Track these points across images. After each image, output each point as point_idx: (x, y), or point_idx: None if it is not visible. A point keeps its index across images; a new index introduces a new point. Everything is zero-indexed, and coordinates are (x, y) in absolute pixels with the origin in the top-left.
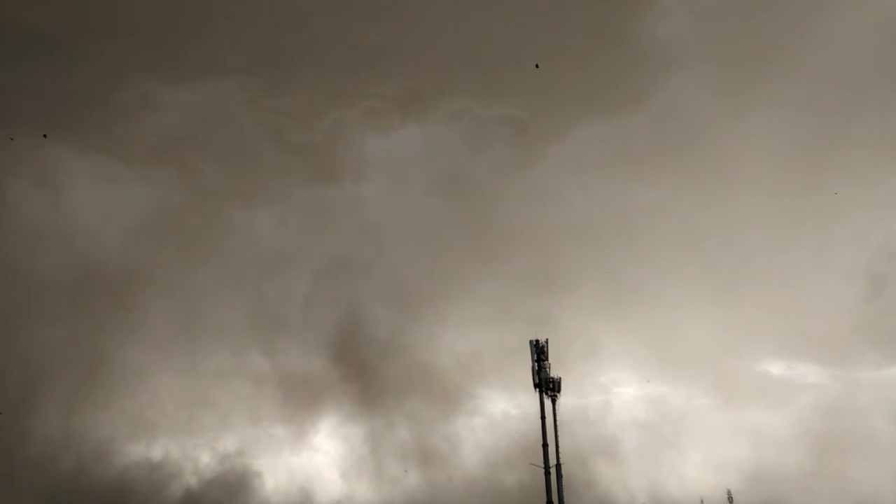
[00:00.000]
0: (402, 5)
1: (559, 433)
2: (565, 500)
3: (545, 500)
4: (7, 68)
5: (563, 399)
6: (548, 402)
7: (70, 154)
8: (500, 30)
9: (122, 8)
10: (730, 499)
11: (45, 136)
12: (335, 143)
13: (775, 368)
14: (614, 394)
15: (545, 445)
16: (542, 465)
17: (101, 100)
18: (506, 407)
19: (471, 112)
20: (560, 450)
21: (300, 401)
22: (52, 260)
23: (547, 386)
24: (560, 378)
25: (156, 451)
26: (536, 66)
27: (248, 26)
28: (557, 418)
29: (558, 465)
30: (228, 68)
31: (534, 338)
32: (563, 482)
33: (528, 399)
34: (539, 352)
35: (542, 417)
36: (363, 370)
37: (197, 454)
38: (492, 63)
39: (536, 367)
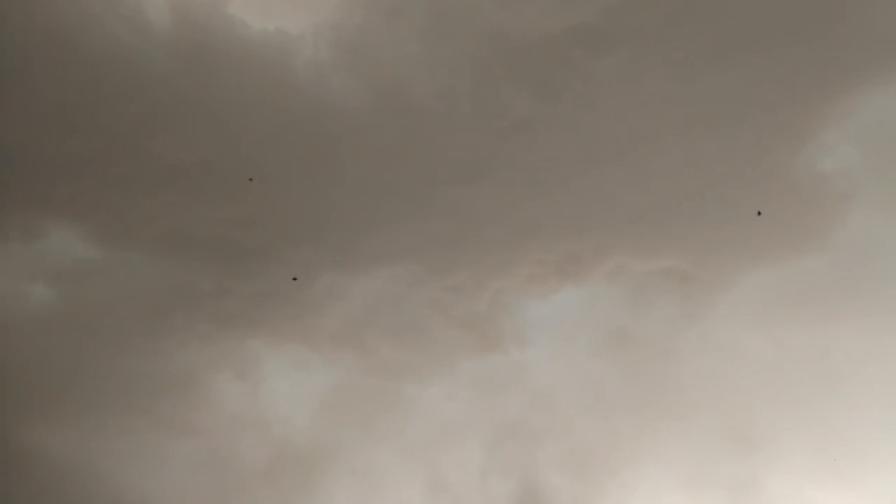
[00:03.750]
0: (555, 177)
1: None
2: None
3: None
4: (211, 275)
5: None
6: None
7: (267, 347)
8: (651, 184)
9: (308, 216)
10: None
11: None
12: (498, 312)
13: None
14: None
15: None
16: None
17: (294, 296)
18: None
19: (629, 268)
20: None
21: None
22: (248, 445)
23: None
24: None
25: None
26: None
27: (413, 217)
28: None
29: None
30: (398, 255)
31: None
32: None
33: None
34: None
35: None
36: None
37: None
38: (646, 217)
39: None
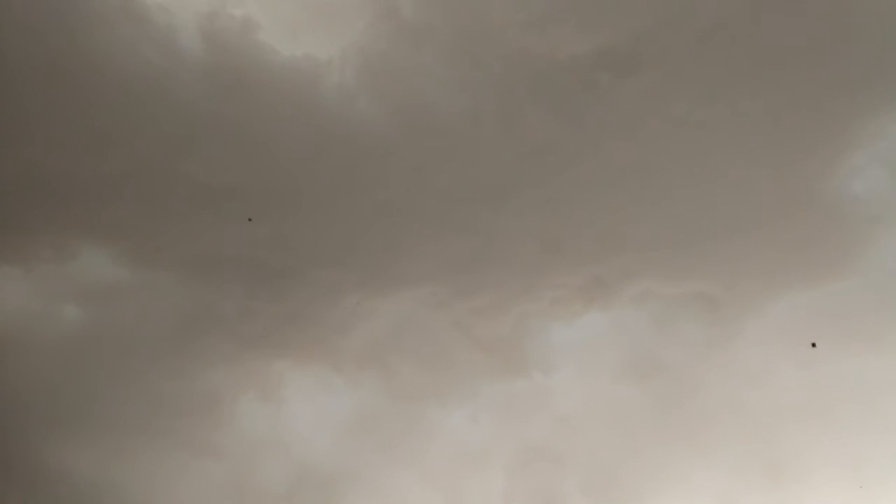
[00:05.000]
0: (580, 200)
1: None
2: None
3: None
4: (238, 296)
5: None
6: None
7: (291, 369)
8: (678, 207)
9: (334, 237)
10: None
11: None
12: (522, 335)
13: None
14: None
15: None
16: None
17: (319, 317)
18: None
19: (655, 292)
20: None
21: None
22: (269, 467)
23: None
24: None
25: None
26: None
27: (437, 239)
28: None
29: None
30: (422, 277)
31: None
32: None
33: None
34: None
35: None
36: None
37: None
38: (673, 241)
39: None
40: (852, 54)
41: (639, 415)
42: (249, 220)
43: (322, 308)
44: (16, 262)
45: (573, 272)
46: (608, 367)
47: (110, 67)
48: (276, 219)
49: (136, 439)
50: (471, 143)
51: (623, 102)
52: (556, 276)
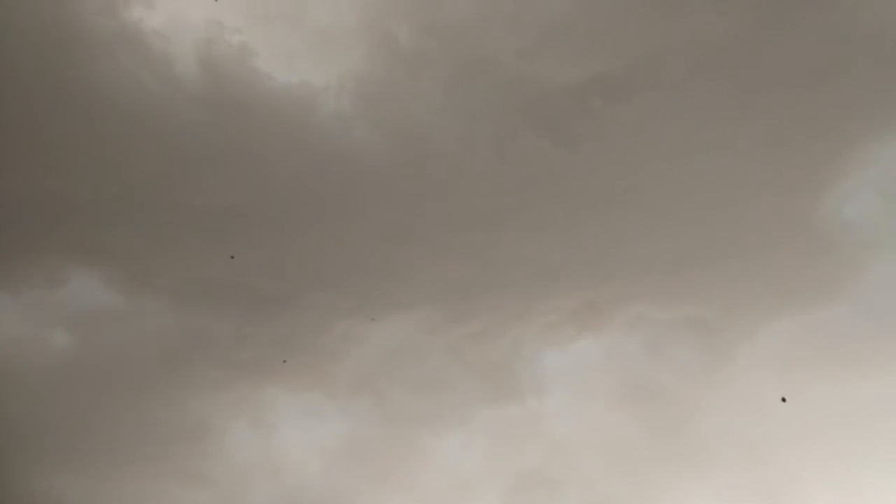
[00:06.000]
0: (574, 225)
1: None
2: None
3: None
4: (230, 321)
5: None
6: None
7: (282, 394)
8: (671, 232)
9: (328, 262)
10: None
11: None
12: (515, 361)
13: None
14: None
15: None
16: None
17: (311, 343)
18: None
19: (648, 317)
20: None
21: None
22: (261, 493)
23: None
24: None
25: None
26: None
27: (432, 264)
28: None
29: None
30: (416, 302)
31: None
32: None
33: None
34: None
35: None
36: None
37: None
38: (666, 266)
39: None
40: (845, 82)
41: (633, 440)
42: (232, 257)
43: (315, 333)
44: (4, 287)
45: (567, 297)
46: (602, 392)
47: (107, 93)
48: (270, 244)
49: (126, 467)
50: (466, 168)
51: (617, 128)
52: (549, 300)
